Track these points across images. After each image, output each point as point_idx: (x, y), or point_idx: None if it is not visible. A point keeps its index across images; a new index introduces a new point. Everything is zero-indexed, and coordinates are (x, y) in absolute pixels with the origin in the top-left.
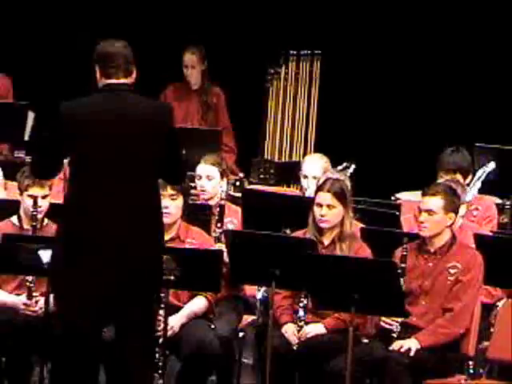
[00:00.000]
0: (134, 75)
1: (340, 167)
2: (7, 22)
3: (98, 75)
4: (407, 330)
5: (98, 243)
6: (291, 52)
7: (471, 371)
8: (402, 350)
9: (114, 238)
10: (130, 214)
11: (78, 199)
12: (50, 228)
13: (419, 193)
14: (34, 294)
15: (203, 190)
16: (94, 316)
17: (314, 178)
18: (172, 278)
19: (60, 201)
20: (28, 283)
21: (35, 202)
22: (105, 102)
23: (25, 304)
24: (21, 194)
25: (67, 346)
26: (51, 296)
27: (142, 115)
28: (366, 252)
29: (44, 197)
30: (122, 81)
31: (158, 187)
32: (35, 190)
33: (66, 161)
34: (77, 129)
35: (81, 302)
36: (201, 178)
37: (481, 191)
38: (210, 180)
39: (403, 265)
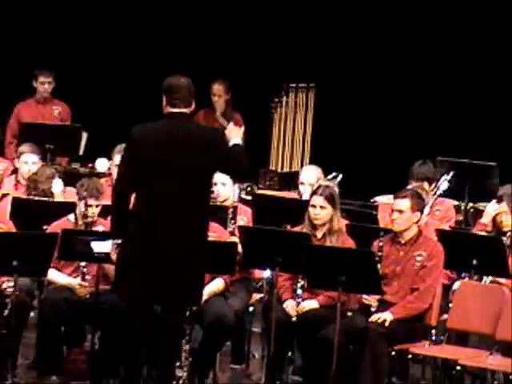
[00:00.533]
0: (193, 106)
1: (330, 176)
2: (67, 60)
3: (164, 103)
4: (383, 306)
5: (158, 244)
6: (291, 85)
7: (433, 338)
8: (379, 321)
9: (170, 240)
10: (184, 217)
11: (144, 207)
12: (99, 224)
13: (392, 196)
14: (87, 276)
15: (218, 194)
16: (150, 297)
17: (310, 184)
18: None
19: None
20: (82, 268)
21: (89, 206)
22: (169, 128)
23: (80, 284)
24: (78, 200)
25: (130, 316)
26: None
27: (198, 139)
28: (350, 243)
29: (97, 206)
30: (184, 110)
31: (209, 197)
32: (91, 201)
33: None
34: (142, 149)
35: (142, 286)
36: (216, 184)
37: (442, 195)
38: (224, 185)
39: (380, 253)
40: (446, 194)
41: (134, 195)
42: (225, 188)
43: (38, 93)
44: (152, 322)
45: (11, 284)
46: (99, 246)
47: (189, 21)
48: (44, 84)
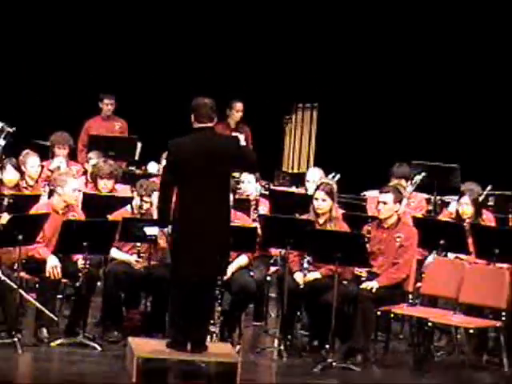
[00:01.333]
0: (215, 120)
1: (330, 176)
2: (126, 85)
3: (192, 119)
4: (371, 276)
5: (193, 230)
6: (299, 105)
7: (410, 301)
8: (368, 288)
9: (204, 225)
10: (212, 209)
11: (181, 204)
12: (151, 212)
13: (377, 191)
14: (141, 254)
15: (245, 190)
16: (193, 270)
17: (314, 182)
18: None
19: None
20: (137, 247)
21: (144, 201)
22: (196, 140)
23: (136, 260)
24: (136, 195)
25: (178, 284)
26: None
27: (220, 147)
28: (345, 228)
29: (148, 201)
30: (208, 125)
31: (230, 191)
32: (146, 197)
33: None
34: (178, 157)
35: (185, 263)
36: (243, 182)
37: (415, 190)
38: (249, 183)
39: (368, 235)
40: (419, 189)
41: (175, 193)
42: (249, 185)
43: (102, 112)
44: (194, 291)
45: (82, 261)
46: (150, 231)
47: (216, 50)
48: (108, 105)
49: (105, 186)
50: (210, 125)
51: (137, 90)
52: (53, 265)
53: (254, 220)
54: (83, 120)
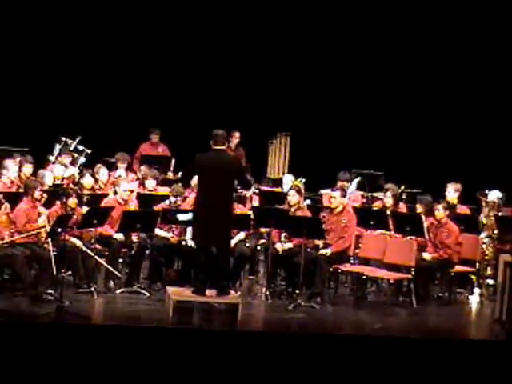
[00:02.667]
0: (226, 145)
1: (298, 179)
2: (169, 118)
3: (211, 143)
4: (326, 245)
5: (209, 214)
6: (277, 134)
7: (351, 262)
8: (324, 253)
9: (215, 212)
10: (221, 202)
11: (200, 197)
12: (183, 205)
13: (329, 190)
14: (175, 232)
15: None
16: (208, 242)
17: (287, 184)
18: None
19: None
20: (173, 228)
21: (176, 199)
22: (214, 156)
23: (171, 236)
24: (171, 195)
25: (198, 253)
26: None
27: (229, 162)
28: (308, 214)
29: (179, 199)
30: (221, 147)
31: (232, 191)
32: (177, 198)
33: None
34: (200, 166)
35: (203, 237)
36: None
37: (355, 189)
38: None
39: (323, 219)
40: (357, 188)
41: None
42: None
43: (151, 139)
44: (210, 255)
45: (136, 236)
46: (181, 217)
47: (223, 94)
48: (155, 136)
49: (149, 184)
50: (223, 147)
51: (174, 124)
52: (119, 237)
53: (249, 209)
54: (138, 144)
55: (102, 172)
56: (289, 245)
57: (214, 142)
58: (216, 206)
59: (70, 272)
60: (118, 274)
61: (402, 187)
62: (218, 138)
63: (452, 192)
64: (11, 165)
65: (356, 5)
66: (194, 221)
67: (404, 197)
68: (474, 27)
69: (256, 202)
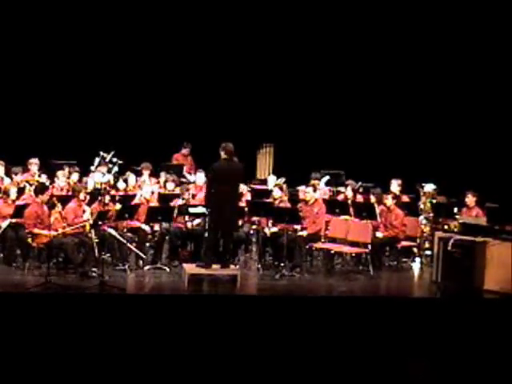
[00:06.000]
0: (233, 154)
1: (280, 179)
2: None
3: (222, 154)
4: (302, 229)
5: (222, 206)
6: (263, 144)
7: (323, 241)
8: (301, 234)
9: (226, 204)
10: (231, 198)
11: (216, 195)
12: (193, 201)
13: (304, 186)
14: (187, 222)
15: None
16: (219, 227)
17: (271, 183)
18: None
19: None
20: (187, 217)
21: (189, 196)
22: (226, 163)
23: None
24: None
25: (212, 234)
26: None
27: (237, 168)
28: (288, 205)
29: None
30: (230, 156)
31: (239, 190)
32: (188, 195)
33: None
34: (216, 171)
35: (217, 222)
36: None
37: (324, 185)
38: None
39: (301, 209)
40: (325, 184)
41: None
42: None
43: (183, 152)
44: (220, 238)
45: (158, 226)
46: (193, 210)
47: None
48: (186, 150)
49: (170, 186)
50: (231, 157)
51: (198, 140)
52: (146, 228)
53: (244, 203)
54: (172, 154)
55: (131, 178)
56: (274, 229)
57: (224, 153)
58: (227, 200)
59: (108, 254)
60: (143, 255)
61: (360, 183)
62: (227, 149)
63: (396, 185)
64: (61, 175)
65: (333, 23)
66: (210, 212)
67: (361, 190)
68: (448, 27)
69: (248, 197)
